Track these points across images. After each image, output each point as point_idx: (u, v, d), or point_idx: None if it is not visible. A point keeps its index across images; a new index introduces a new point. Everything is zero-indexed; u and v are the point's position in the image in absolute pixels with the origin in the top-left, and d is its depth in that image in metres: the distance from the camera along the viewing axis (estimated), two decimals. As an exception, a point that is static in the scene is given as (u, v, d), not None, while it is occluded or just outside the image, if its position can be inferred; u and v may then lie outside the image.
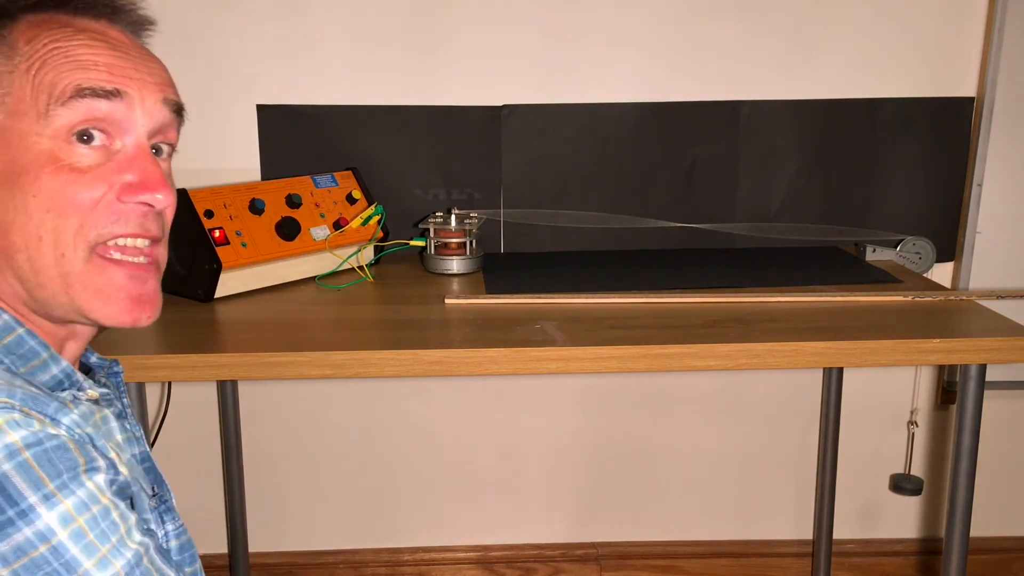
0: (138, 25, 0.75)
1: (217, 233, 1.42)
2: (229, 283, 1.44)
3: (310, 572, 1.95)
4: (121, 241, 0.70)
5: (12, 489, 0.57)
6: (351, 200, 1.62)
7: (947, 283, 1.82)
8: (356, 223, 1.58)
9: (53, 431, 0.60)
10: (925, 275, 1.70)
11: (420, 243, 1.62)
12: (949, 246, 1.79)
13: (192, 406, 1.84)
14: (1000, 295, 1.55)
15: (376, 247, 1.63)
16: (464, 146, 1.73)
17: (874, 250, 1.72)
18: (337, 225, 1.57)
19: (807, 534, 1.99)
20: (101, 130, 0.69)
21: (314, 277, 1.55)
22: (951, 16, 1.71)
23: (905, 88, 1.74)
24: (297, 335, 1.29)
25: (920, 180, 1.77)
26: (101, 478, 0.61)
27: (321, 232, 1.54)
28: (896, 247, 1.75)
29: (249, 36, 1.67)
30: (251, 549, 1.91)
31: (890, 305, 1.40)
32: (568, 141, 1.73)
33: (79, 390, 0.72)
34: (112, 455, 0.66)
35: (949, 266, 1.81)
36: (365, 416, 1.89)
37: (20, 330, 0.68)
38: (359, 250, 1.58)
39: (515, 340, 1.23)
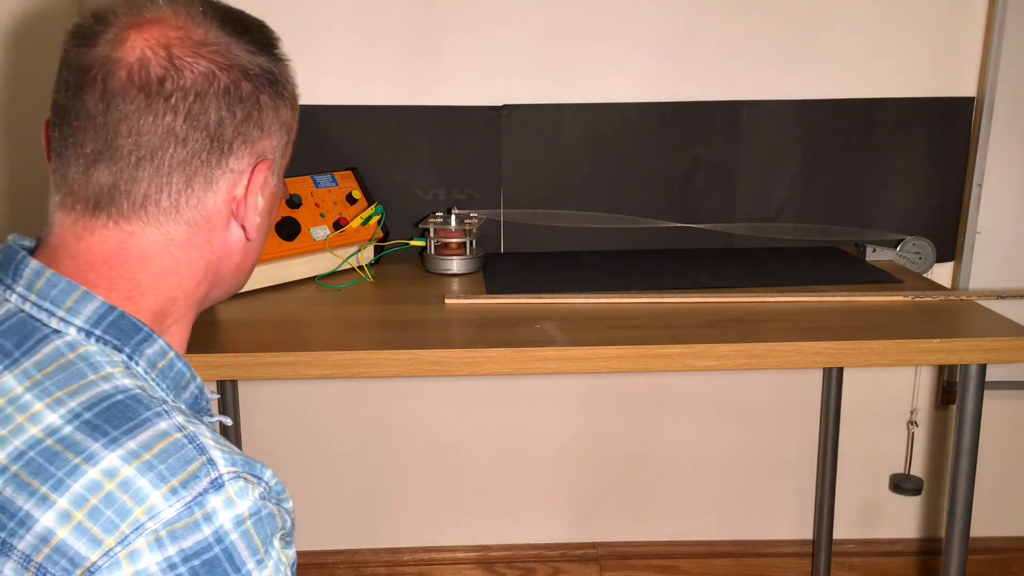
0: None
1: (217, 233, 1.42)
2: (229, 283, 1.44)
3: (310, 572, 1.95)
4: None
5: (237, 557, 0.60)
6: (351, 200, 1.62)
7: (947, 283, 1.82)
8: (356, 223, 1.58)
9: (259, 493, 0.63)
10: (925, 275, 1.70)
11: (420, 243, 1.62)
12: (949, 246, 1.79)
13: (192, 406, 1.84)
14: (1000, 295, 1.55)
15: (376, 247, 1.63)
16: (464, 146, 1.73)
17: (874, 250, 1.72)
18: (337, 225, 1.57)
19: (807, 534, 1.99)
20: None
21: (314, 277, 1.55)
22: (951, 16, 1.71)
23: (905, 88, 1.74)
24: (297, 335, 1.29)
25: (920, 180, 1.77)
26: (280, 535, 0.65)
27: (321, 232, 1.54)
28: (896, 247, 1.75)
29: (249, 36, 1.66)
30: (251, 549, 1.91)
31: (890, 305, 1.40)
32: (568, 141, 1.73)
33: (207, 403, 0.75)
34: (284, 492, 0.68)
35: (949, 266, 1.81)
36: (365, 416, 1.89)
37: (171, 353, 0.70)
38: (359, 250, 1.58)
39: (515, 340, 1.23)
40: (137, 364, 0.67)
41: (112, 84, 0.66)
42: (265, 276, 1.49)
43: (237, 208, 0.72)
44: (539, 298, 1.42)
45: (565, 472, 1.94)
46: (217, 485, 0.60)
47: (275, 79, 0.74)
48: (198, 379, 0.74)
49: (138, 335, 0.68)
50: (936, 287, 1.52)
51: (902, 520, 2.00)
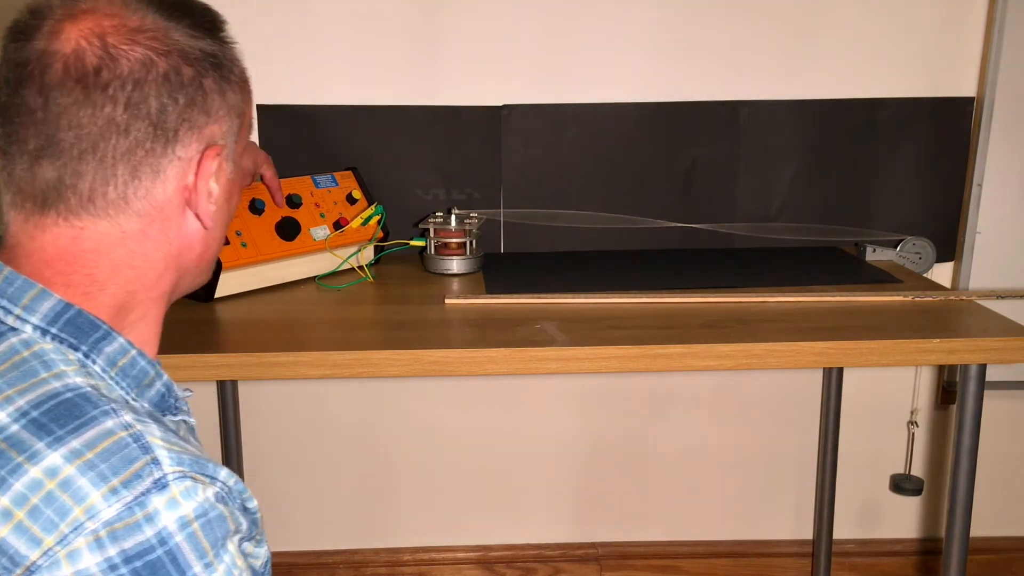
0: None
1: (217, 233, 1.42)
2: (229, 283, 1.44)
3: (310, 572, 1.95)
4: None
5: (182, 560, 0.59)
6: (351, 200, 1.62)
7: (947, 283, 1.82)
8: (356, 223, 1.58)
9: (211, 493, 0.62)
10: (925, 275, 1.70)
11: (420, 243, 1.62)
12: (949, 246, 1.79)
13: (192, 406, 1.83)
14: (1000, 295, 1.55)
15: (376, 247, 1.63)
16: (464, 146, 1.73)
17: (874, 250, 1.72)
18: (337, 225, 1.57)
19: (807, 534, 1.99)
20: None
21: (314, 277, 1.55)
22: (951, 16, 1.71)
23: (905, 88, 1.74)
24: (297, 335, 1.29)
25: (920, 180, 1.77)
26: (237, 539, 0.64)
27: (321, 232, 1.54)
28: (896, 247, 1.75)
29: (249, 36, 1.66)
30: (251, 549, 1.91)
31: (890, 305, 1.40)
32: (568, 141, 1.73)
33: (176, 401, 0.74)
34: (247, 492, 0.68)
35: (949, 266, 1.81)
36: (365, 416, 1.89)
37: (133, 351, 0.70)
38: (359, 250, 1.58)
39: (515, 340, 1.23)
40: (94, 362, 0.67)
41: (49, 78, 0.65)
42: (265, 276, 1.49)
43: (190, 196, 0.71)
44: (539, 298, 1.42)
45: (565, 472, 1.94)
46: (160, 485, 0.59)
47: (219, 62, 0.72)
48: (164, 376, 0.73)
49: (96, 333, 0.67)
50: (936, 287, 1.52)
51: (902, 520, 2.00)
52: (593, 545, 1.99)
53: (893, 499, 1.95)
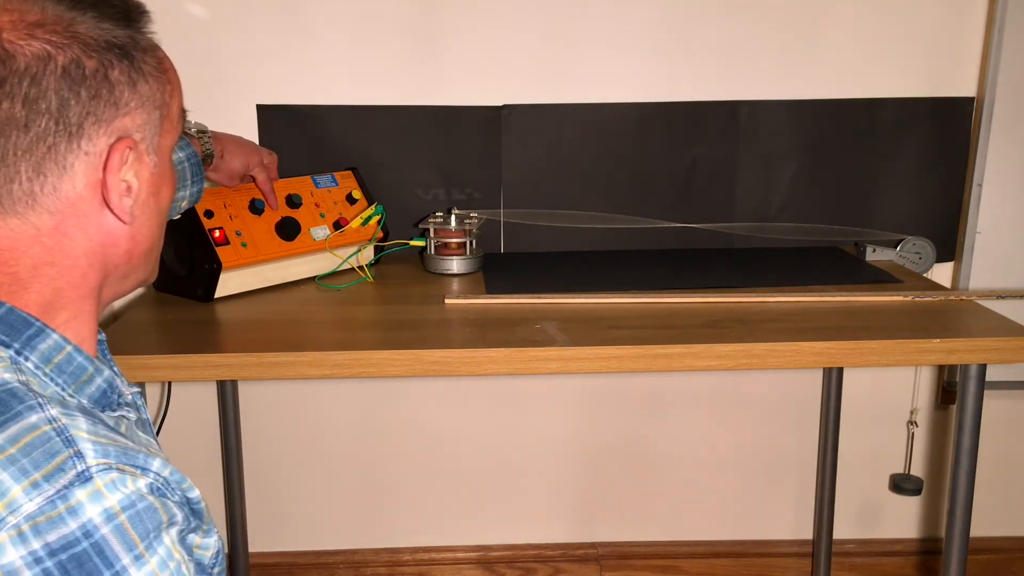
0: None
1: (217, 233, 1.42)
2: (229, 283, 1.44)
3: (310, 572, 1.95)
4: None
5: (109, 552, 0.58)
6: (351, 200, 1.62)
7: (947, 283, 1.82)
8: (356, 223, 1.58)
9: (143, 483, 0.61)
10: (925, 275, 1.71)
11: (420, 243, 1.62)
12: (949, 246, 1.79)
13: (192, 406, 1.84)
14: (1000, 295, 1.55)
15: (376, 247, 1.63)
16: (464, 146, 1.73)
17: (874, 250, 1.72)
18: (337, 225, 1.57)
19: (807, 534, 1.99)
20: None
21: (314, 277, 1.55)
22: (951, 16, 1.71)
23: (905, 88, 1.74)
24: (297, 335, 1.29)
25: (920, 180, 1.77)
26: (175, 531, 0.63)
27: (321, 232, 1.54)
28: (896, 247, 1.75)
29: (249, 36, 1.67)
30: (251, 549, 1.91)
31: (890, 305, 1.40)
32: (568, 141, 1.73)
33: (119, 397, 0.74)
34: (187, 483, 0.67)
35: (949, 266, 1.81)
36: (365, 416, 1.89)
37: (68, 348, 0.69)
38: (359, 250, 1.58)
39: (515, 340, 1.23)
40: (27, 359, 0.67)
41: None
42: (265, 276, 1.49)
43: (103, 191, 0.69)
44: (539, 298, 1.42)
45: (565, 472, 1.94)
46: (84, 478, 0.59)
47: (127, 53, 0.69)
48: (105, 373, 0.72)
49: (28, 330, 0.67)
50: (936, 287, 1.52)
51: (902, 520, 2.00)
52: (593, 545, 1.99)
53: (893, 499, 1.95)
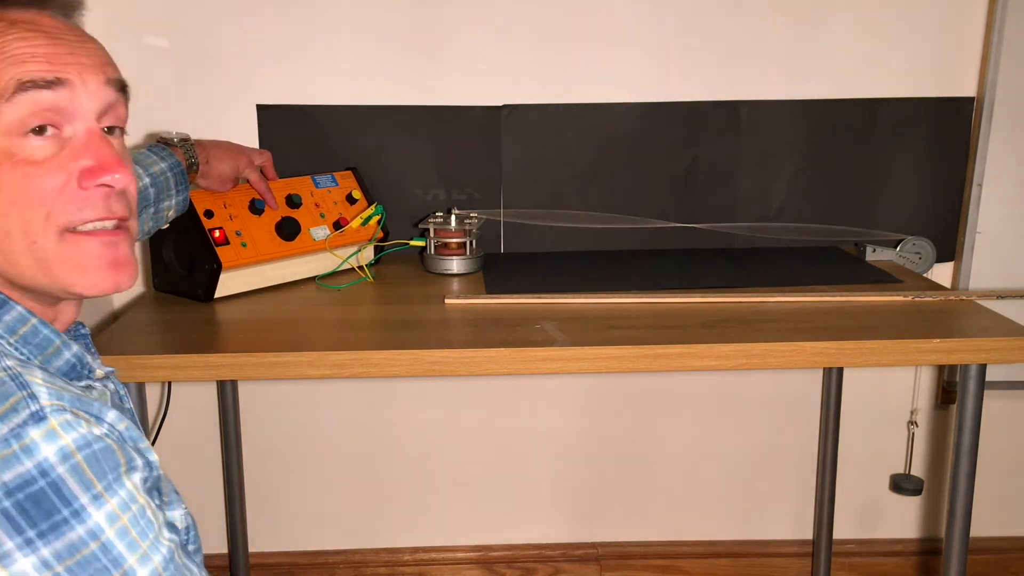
0: (69, 8, 0.75)
1: (217, 233, 1.42)
2: (229, 283, 1.44)
3: (310, 572, 1.95)
4: (90, 226, 0.72)
5: (66, 490, 0.59)
6: (351, 200, 1.62)
7: (947, 283, 1.82)
8: (356, 223, 1.58)
9: (98, 431, 0.62)
10: (925, 275, 1.71)
11: (420, 243, 1.62)
12: (949, 246, 1.79)
13: (192, 406, 1.84)
14: (1000, 295, 1.55)
15: (376, 247, 1.63)
16: (464, 146, 1.73)
17: (874, 250, 1.72)
18: (337, 225, 1.57)
19: (807, 534, 1.99)
20: (49, 121, 0.69)
21: (314, 277, 1.55)
22: (951, 16, 1.71)
23: (905, 88, 1.74)
24: (297, 335, 1.29)
25: (920, 180, 1.77)
26: (138, 477, 0.63)
27: (321, 232, 1.54)
28: (896, 247, 1.75)
29: (249, 36, 1.67)
30: (251, 549, 1.91)
31: (890, 305, 1.40)
32: (568, 141, 1.73)
33: (89, 372, 0.74)
34: (144, 443, 0.67)
35: (949, 266, 1.81)
36: (365, 416, 1.89)
37: (33, 320, 0.70)
38: (359, 250, 1.58)
39: (515, 340, 1.23)
40: None
41: None
42: (265, 276, 1.49)
43: None
44: (539, 298, 1.42)
45: (565, 472, 1.94)
46: (37, 418, 0.59)
47: None
48: (74, 348, 0.73)
49: None
50: (936, 287, 1.52)
51: (902, 520, 2.00)
52: (593, 545, 1.99)
53: (893, 499, 1.95)
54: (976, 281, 1.78)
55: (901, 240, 1.76)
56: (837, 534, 1.95)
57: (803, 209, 1.78)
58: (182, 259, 1.44)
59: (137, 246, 0.93)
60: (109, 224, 0.73)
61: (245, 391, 1.84)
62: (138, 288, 1.73)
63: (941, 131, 1.75)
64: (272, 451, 1.89)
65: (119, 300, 1.73)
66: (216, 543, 1.91)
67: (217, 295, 1.43)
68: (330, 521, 1.95)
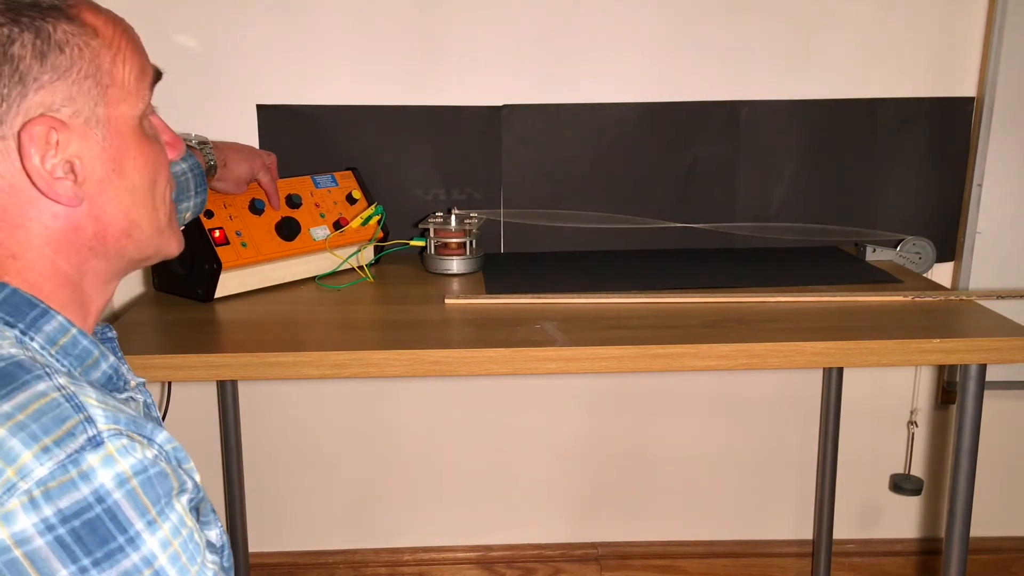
0: None
1: (217, 233, 1.42)
2: (229, 283, 1.44)
3: (310, 572, 1.95)
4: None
5: (122, 517, 0.58)
6: (351, 200, 1.62)
7: (947, 283, 1.82)
8: (356, 223, 1.58)
9: (151, 454, 0.61)
10: (925, 275, 1.71)
11: (420, 243, 1.62)
12: (949, 246, 1.79)
13: (192, 406, 1.84)
14: (1000, 295, 1.55)
15: (376, 247, 1.63)
16: (464, 146, 1.73)
17: (874, 250, 1.72)
18: (337, 225, 1.57)
19: (807, 534, 1.99)
20: None
21: (314, 277, 1.55)
22: (951, 16, 1.71)
23: (905, 88, 1.74)
24: (297, 335, 1.29)
25: (920, 180, 1.77)
26: (185, 499, 0.63)
27: (321, 232, 1.54)
28: (896, 247, 1.75)
29: (249, 36, 1.66)
30: (251, 549, 1.91)
31: (890, 305, 1.40)
32: (568, 141, 1.73)
33: (125, 384, 0.74)
34: (189, 463, 0.67)
35: (949, 266, 1.81)
36: (365, 416, 1.89)
37: (73, 330, 0.69)
38: (359, 250, 1.58)
39: (515, 340, 1.23)
40: (32, 339, 0.66)
41: None
42: (265, 276, 1.49)
43: (29, 176, 0.66)
44: (539, 298, 1.42)
45: (565, 472, 1.94)
46: (95, 443, 0.58)
47: (27, 25, 0.65)
48: (111, 359, 0.72)
49: (32, 311, 0.67)
50: (936, 287, 1.52)
51: (902, 520, 2.00)
52: (593, 545, 1.99)
53: (893, 499, 1.95)
54: (976, 281, 1.78)
55: (901, 240, 1.76)
56: (837, 534, 1.95)
57: (803, 209, 1.78)
58: (182, 259, 1.44)
59: None
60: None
61: (245, 391, 1.84)
62: (138, 288, 1.73)
63: (941, 131, 1.75)
64: (272, 451, 1.89)
65: (119, 300, 1.73)
66: (216, 543, 1.91)
67: (217, 295, 1.43)
68: (330, 521, 1.95)
